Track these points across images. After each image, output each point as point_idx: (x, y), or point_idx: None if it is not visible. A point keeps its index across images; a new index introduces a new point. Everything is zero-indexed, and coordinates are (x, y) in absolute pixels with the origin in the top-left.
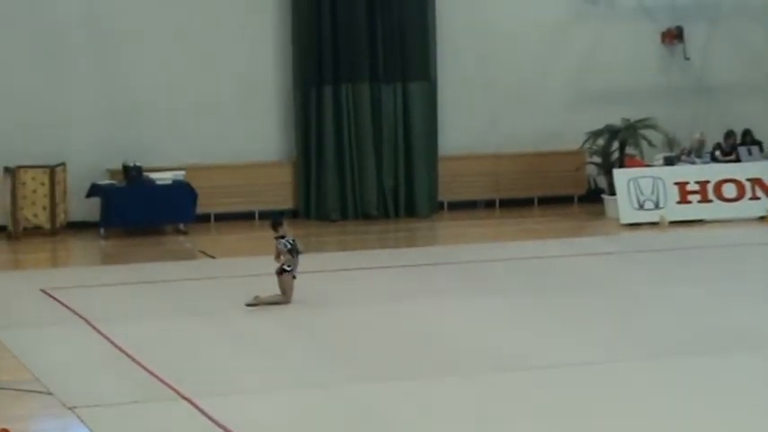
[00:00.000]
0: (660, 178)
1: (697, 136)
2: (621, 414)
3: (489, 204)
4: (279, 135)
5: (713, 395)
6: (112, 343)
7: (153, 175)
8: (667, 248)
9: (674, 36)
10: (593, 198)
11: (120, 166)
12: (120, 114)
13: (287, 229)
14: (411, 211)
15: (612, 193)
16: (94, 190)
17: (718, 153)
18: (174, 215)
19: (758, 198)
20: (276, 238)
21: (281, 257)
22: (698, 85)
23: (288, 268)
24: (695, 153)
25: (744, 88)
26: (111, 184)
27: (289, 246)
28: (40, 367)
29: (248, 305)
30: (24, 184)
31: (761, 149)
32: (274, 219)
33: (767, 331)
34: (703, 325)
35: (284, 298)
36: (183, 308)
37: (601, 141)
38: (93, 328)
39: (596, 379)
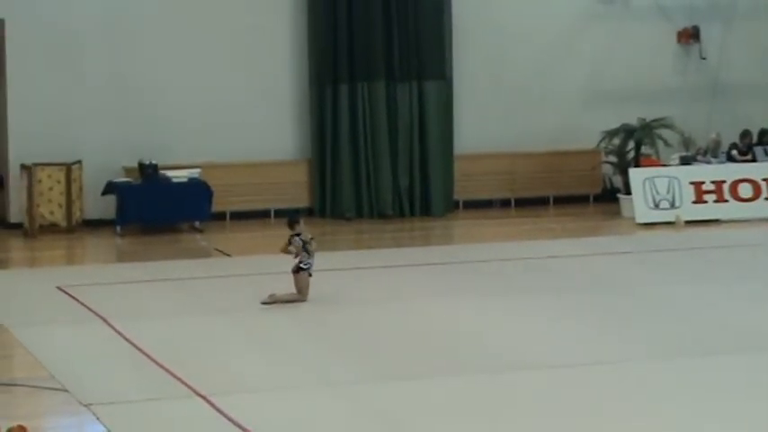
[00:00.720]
0: (676, 178)
1: (713, 136)
2: (634, 413)
3: (505, 203)
4: (294, 133)
5: (728, 395)
6: (128, 340)
7: (169, 173)
8: (683, 248)
9: (690, 36)
10: (608, 197)
11: (135, 164)
12: (136, 112)
13: (304, 227)
14: (426, 210)
15: (628, 192)
16: (110, 188)
17: (734, 153)
18: (190, 213)
19: None
20: (292, 235)
21: (295, 252)
22: (714, 85)
23: (304, 266)
24: (711, 153)
25: (760, 88)
26: (127, 182)
27: (302, 243)
28: (56, 364)
29: (264, 303)
30: (40, 181)
31: None
32: (291, 216)
33: None
34: (719, 325)
35: (300, 296)
36: (198, 306)
37: (616, 141)
38: (109, 325)
39: (610, 379)
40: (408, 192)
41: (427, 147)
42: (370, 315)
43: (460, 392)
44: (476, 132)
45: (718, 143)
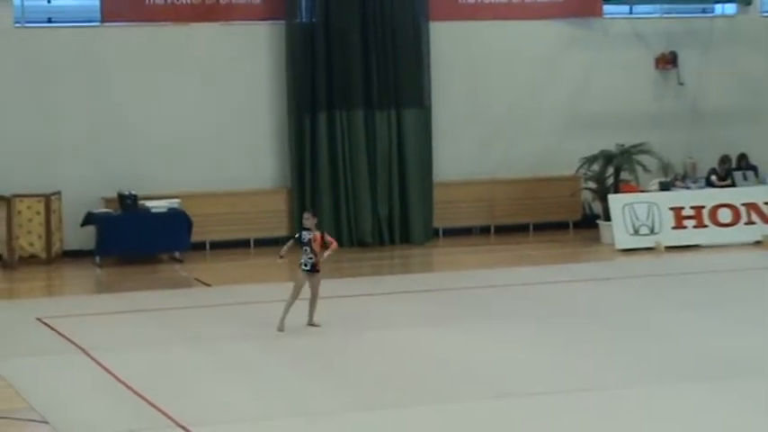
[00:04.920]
0: (655, 203)
1: (688, 159)
2: None
3: (484, 231)
4: (274, 162)
5: (709, 421)
6: (108, 371)
7: (148, 204)
8: (663, 274)
9: (667, 61)
10: (588, 224)
11: (115, 195)
12: (115, 143)
13: (312, 221)
14: (406, 238)
15: (608, 218)
16: (90, 218)
17: (713, 178)
18: (170, 243)
19: (753, 223)
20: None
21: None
22: (692, 110)
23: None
24: (690, 178)
25: (738, 113)
26: (107, 213)
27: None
28: (36, 396)
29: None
30: (20, 212)
31: (756, 174)
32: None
33: (763, 357)
34: (700, 351)
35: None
36: (178, 336)
37: (595, 167)
38: (89, 356)
39: (592, 405)
40: (388, 220)
41: (406, 175)
42: (351, 344)
43: (443, 421)
44: (455, 160)
45: (693, 165)
